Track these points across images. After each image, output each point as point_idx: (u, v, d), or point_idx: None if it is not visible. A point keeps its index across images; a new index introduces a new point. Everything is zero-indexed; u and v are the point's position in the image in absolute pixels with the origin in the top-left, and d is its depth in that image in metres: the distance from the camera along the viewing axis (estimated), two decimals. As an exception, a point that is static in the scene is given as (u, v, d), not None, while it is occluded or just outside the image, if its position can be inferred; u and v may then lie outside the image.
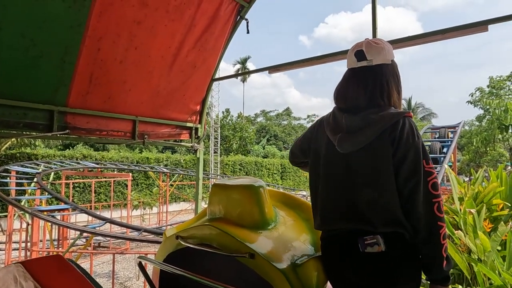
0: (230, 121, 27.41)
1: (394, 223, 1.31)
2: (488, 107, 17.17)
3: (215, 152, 22.06)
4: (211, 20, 3.39)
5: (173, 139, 3.93)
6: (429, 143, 8.14)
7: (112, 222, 5.52)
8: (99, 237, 8.70)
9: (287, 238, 1.84)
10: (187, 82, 3.65)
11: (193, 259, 1.95)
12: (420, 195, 1.27)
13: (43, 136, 2.81)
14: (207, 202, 1.98)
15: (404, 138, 1.30)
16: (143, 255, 2.08)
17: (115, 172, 13.64)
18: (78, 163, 11.65)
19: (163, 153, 22.92)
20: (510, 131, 13.83)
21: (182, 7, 3.08)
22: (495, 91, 20.73)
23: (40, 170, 8.61)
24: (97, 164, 12.45)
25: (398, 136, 1.30)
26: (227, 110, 27.82)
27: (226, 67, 52.05)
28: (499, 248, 3.08)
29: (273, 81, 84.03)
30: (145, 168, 14.15)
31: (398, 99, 1.43)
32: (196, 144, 3.90)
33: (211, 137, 22.28)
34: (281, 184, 22.46)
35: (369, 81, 1.42)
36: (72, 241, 6.21)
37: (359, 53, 1.44)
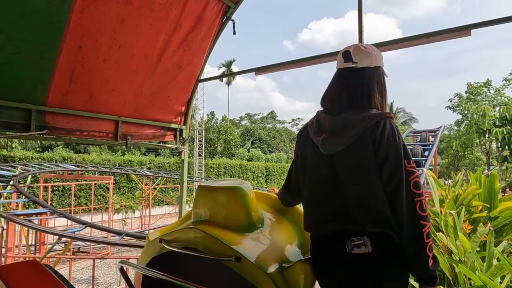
0: (214, 124, 27.27)
1: (382, 223, 1.31)
2: (466, 112, 17.70)
3: (199, 155, 21.87)
4: (197, 20, 3.34)
5: (157, 140, 3.84)
6: (411, 147, 8.31)
7: (92, 226, 5.35)
8: (79, 242, 8.44)
9: (274, 241, 1.82)
10: (172, 82, 3.59)
11: (177, 263, 1.90)
12: (402, 194, 1.28)
13: (20, 136, 2.69)
14: (191, 206, 1.93)
15: (385, 138, 1.31)
16: (125, 259, 2.01)
17: (96, 175, 13.33)
18: (58, 165, 11.30)
19: (146, 155, 22.58)
20: (487, 135, 14.31)
21: (168, 6, 3.03)
22: (472, 97, 21.40)
23: (17, 172, 8.30)
24: (78, 166, 12.12)
25: (379, 136, 1.31)
26: (212, 113, 27.69)
27: (210, 70, 51.89)
28: (478, 249, 3.14)
29: (257, 84, 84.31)
30: (128, 171, 13.89)
31: (380, 102, 1.44)
32: (180, 146, 3.83)
33: (195, 139, 22.09)
34: (266, 187, 22.47)
35: (352, 82, 1.44)
36: (50, 246, 6.00)
37: (346, 54, 1.47)
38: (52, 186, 12.79)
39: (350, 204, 1.35)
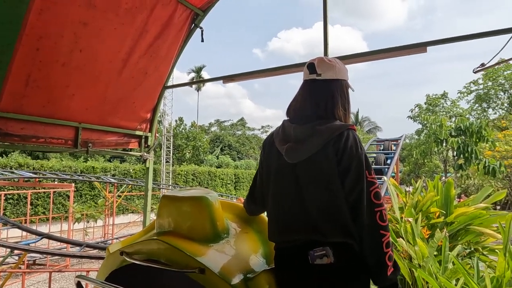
0: (183, 130, 26.85)
1: (343, 233, 1.33)
2: (425, 122, 18.69)
3: (167, 162, 21.41)
4: (164, 27, 3.29)
5: (121, 147, 3.72)
6: (375, 155, 8.63)
7: (49, 237, 5.05)
8: (35, 254, 7.94)
9: (239, 251, 1.80)
10: (137, 89, 3.49)
11: (139, 276, 1.83)
12: (363, 204, 1.31)
13: (-33, 143, 2.50)
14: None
15: (348, 149, 1.34)
16: (83, 273, 1.91)
17: (56, 183, 12.64)
18: (13, 172, 10.60)
19: (110, 162, 21.77)
20: (444, 144, 15.15)
21: (134, 12, 2.96)
22: (431, 108, 22.68)
23: (-35, 180, 7.70)
24: (35, 173, 11.43)
25: (342, 147, 1.34)
26: (181, 119, 27.28)
27: (180, 76, 51.18)
28: (436, 253, 3.30)
29: (228, 91, 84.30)
30: (90, 178, 13.29)
31: (344, 114, 1.47)
32: (145, 154, 3.73)
33: (163, 146, 21.62)
34: (235, 194, 22.36)
35: (315, 93, 1.48)
36: (1, 259, 5.58)
37: (311, 66, 1.50)
38: (5, 194, 11.96)
39: (312, 214, 1.36)
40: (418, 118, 21.23)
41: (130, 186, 14.08)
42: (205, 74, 40.70)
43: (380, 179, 6.12)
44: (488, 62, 1.94)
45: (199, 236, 1.68)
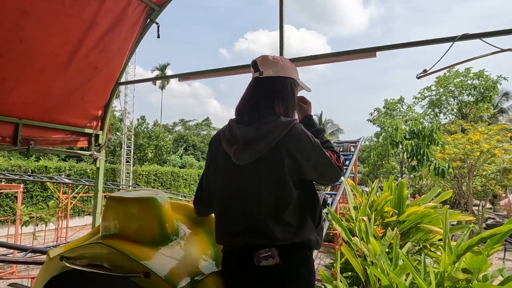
0: (145, 129, 26.04)
1: (291, 235, 1.31)
2: (383, 125, 19.55)
3: (127, 162, 20.67)
4: (117, 20, 3.14)
5: (68, 146, 3.49)
6: (334, 156, 8.85)
7: (-11, 242, 4.64)
8: (-25, 261, 7.29)
9: (188, 253, 1.76)
10: (87, 84, 3.30)
11: (80, 283, 1.74)
12: (331, 172, 1.41)
13: None
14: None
15: (300, 142, 1.34)
16: (17, 282, 1.76)
17: (3, 183, 11.79)
18: (-49, 172, 9.72)
19: (66, 161, 20.62)
20: (400, 146, 15.93)
21: (82, 2, 2.79)
22: (389, 111, 23.78)
23: None
24: (-22, 173, 10.57)
25: (293, 141, 1.32)
26: (143, 117, 26.42)
27: (144, 73, 49.90)
28: (388, 250, 3.42)
29: (193, 90, 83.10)
30: (42, 179, 12.51)
31: (285, 112, 1.45)
32: (95, 153, 3.53)
33: (123, 145, 20.86)
34: (198, 195, 22.02)
35: (257, 91, 1.46)
36: None
37: (254, 64, 1.49)
38: None
39: (260, 217, 1.33)
40: (376, 121, 22.15)
41: (86, 187, 13.43)
42: (169, 72, 39.87)
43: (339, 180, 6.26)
44: (430, 68, 2.03)
45: (147, 239, 1.61)
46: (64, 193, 12.22)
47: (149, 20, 3.45)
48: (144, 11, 3.33)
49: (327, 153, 1.39)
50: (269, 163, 1.33)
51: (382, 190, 5.15)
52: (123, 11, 3.13)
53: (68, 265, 1.54)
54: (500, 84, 21.79)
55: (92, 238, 1.76)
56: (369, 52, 2.46)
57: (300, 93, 1.64)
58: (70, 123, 3.40)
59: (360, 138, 10.14)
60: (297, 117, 1.57)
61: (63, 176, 14.85)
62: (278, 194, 1.33)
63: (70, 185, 11.87)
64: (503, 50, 2.00)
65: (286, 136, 1.32)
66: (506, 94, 28.00)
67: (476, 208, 15.68)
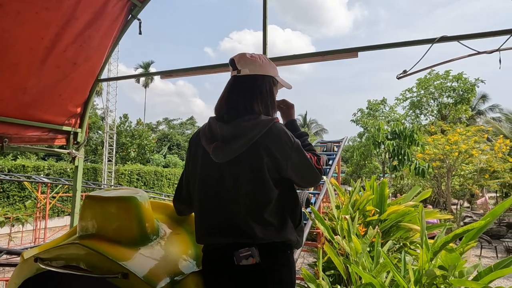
0: (128, 128, 25.60)
1: (271, 234, 1.31)
2: (366, 125, 19.87)
3: (109, 161, 20.29)
4: (97, 15, 3.06)
5: (45, 144, 3.38)
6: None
7: (-40, 244, 4.46)
8: None
9: (168, 253, 1.74)
10: (65, 80, 3.20)
11: (58, 284, 1.70)
12: (310, 174, 1.39)
13: None
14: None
15: (279, 140, 1.32)
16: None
17: (-23, 183, 11.35)
18: None
19: (45, 160, 20.07)
20: (382, 147, 16.22)
21: (60, -4, 2.70)
22: (372, 112, 24.18)
23: None
24: (-50, 172, 10.14)
25: (272, 140, 1.31)
26: (125, 116, 25.96)
27: (127, 71, 49.12)
28: (370, 249, 3.47)
29: (178, 89, 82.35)
30: (19, 178, 12.12)
31: (265, 110, 1.43)
32: (74, 151, 3.43)
33: (105, 144, 20.46)
34: (182, 195, 21.82)
35: (235, 89, 1.45)
36: None
37: (232, 63, 1.48)
38: None
39: (240, 216, 1.32)
40: (360, 122, 22.48)
41: (66, 186, 13.10)
42: (153, 70, 39.35)
43: (322, 179, 6.33)
44: (410, 69, 2.07)
45: (125, 239, 1.59)
46: (43, 192, 11.88)
47: (130, 16, 3.38)
48: (125, 6, 3.26)
49: (307, 154, 1.37)
50: (248, 162, 1.32)
51: (364, 189, 5.22)
52: (103, 6, 3.05)
53: (43, 266, 1.51)
54: (478, 87, 22.53)
55: (69, 239, 1.73)
56: (351, 52, 2.49)
57: (282, 90, 1.63)
58: (47, 120, 3.29)
59: (343, 138, 10.28)
60: (278, 116, 1.55)
61: (41, 175, 14.44)
62: (257, 193, 1.32)
63: (49, 184, 11.54)
64: (479, 53, 2.05)
65: (265, 135, 1.31)
66: (483, 97, 28.94)
67: (455, 207, 16.15)
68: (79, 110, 3.53)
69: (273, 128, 1.33)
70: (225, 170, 1.35)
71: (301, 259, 8.45)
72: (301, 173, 1.38)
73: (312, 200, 6.60)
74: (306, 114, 46.51)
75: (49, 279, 1.57)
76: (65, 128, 3.46)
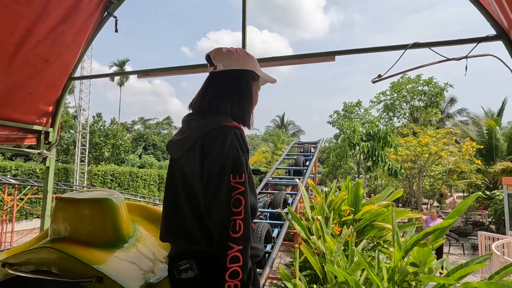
0: (101, 127, 24.87)
1: (205, 241, 1.22)
2: (342, 127, 20.28)
3: (82, 161, 19.63)
4: (71, 11, 2.95)
5: (13, 143, 3.23)
6: (295, 157, 9.03)
7: None
8: None
9: (144, 255, 1.72)
10: (35, 77, 3.07)
11: None
12: (219, 212, 1.15)
13: None
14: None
15: (214, 150, 1.19)
16: None
17: None
18: None
19: (12, 160, 19.18)
20: (357, 148, 16.61)
21: (31, -10, 2.60)
22: (347, 114, 24.70)
23: None
24: None
25: (208, 145, 1.20)
26: (99, 115, 25.21)
27: (101, 69, 47.80)
28: (344, 248, 3.54)
29: (154, 88, 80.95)
30: (-17, 179, 11.49)
31: (238, 109, 1.34)
32: (45, 151, 3.30)
33: (77, 143, 19.78)
34: (158, 196, 21.45)
35: (208, 86, 1.37)
36: None
37: (208, 58, 1.39)
38: None
39: (186, 217, 1.26)
40: (336, 124, 22.92)
41: (35, 187, 12.56)
42: (129, 69, 38.49)
43: (300, 179, 6.42)
44: (384, 74, 2.14)
45: (100, 242, 1.56)
46: (10, 194, 11.34)
47: (106, 13, 3.29)
48: (101, 3, 3.17)
49: (236, 185, 1.15)
50: (188, 161, 1.26)
51: (340, 190, 5.33)
52: (77, 1, 2.95)
53: (12, 272, 1.46)
54: (447, 91, 23.55)
55: (40, 242, 1.68)
56: (329, 55, 2.54)
57: (266, 85, 1.56)
58: (16, 119, 3.14)
59: (320, 140, 10.44)
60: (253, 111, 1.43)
61: (8, 176, 13.78)
62: (193, 197, 1.24)
63: (16, 185, 11.04)
64: (448, 59, 2.15)
65: (205, 136, 1.22)
66: (452, 100, 30.27)
67: (425, 206, 16.78)
68: (51, 108, 3.40)
69: (215, 130, 1.21)
70: (177, 167, 1.31)
71: (278, 259, 8.52)
72: (210, 201, 1.18)
73: (289, 201, 6.66)
74: (283, 115, 46.94)
75: (18, 285, 1.51)
76: (35, 127, 3.32)
